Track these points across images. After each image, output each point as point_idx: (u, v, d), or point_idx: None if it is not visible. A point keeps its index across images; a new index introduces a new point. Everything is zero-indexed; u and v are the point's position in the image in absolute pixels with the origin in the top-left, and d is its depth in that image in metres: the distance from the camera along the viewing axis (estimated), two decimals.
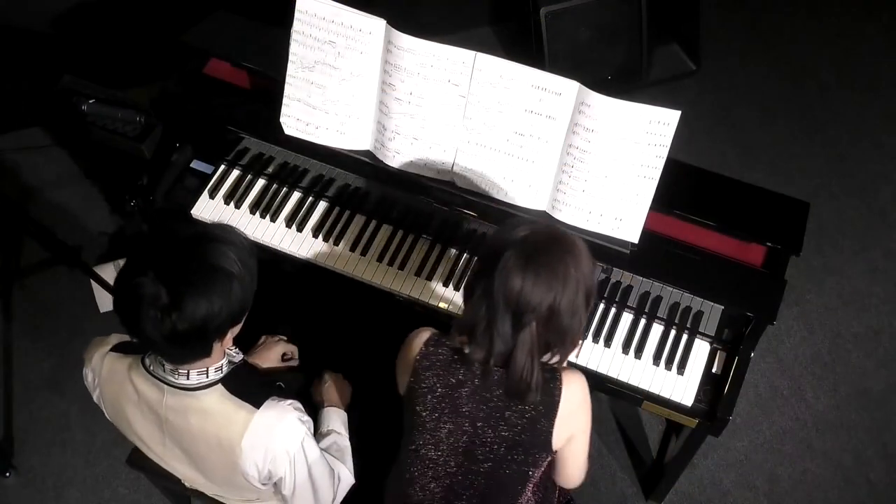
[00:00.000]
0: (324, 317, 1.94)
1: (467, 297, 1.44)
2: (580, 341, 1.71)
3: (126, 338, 1.57)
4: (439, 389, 1.48)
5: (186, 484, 1.78)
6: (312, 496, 1.57)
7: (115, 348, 1.55)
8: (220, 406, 1.46)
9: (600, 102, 1.67)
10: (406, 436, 1.57)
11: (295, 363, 1.98)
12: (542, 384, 1.43)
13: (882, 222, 2.98)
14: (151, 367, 1.47)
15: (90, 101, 2.29)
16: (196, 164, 2.15)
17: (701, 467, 2.46)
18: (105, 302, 2.71)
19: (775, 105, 3.30)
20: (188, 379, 1.44)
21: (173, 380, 1.45)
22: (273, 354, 1.95)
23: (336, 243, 2.04)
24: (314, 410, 1.80)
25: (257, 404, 1.47)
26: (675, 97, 3.20)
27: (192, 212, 2.09)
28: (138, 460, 1.92)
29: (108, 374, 1.53)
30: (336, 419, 1.80)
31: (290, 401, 1.53)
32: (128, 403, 1.52)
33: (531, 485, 1.57)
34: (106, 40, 3.11)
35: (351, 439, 1.80)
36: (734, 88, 3.33)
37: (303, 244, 2.04)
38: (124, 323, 1.37)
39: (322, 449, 1.62)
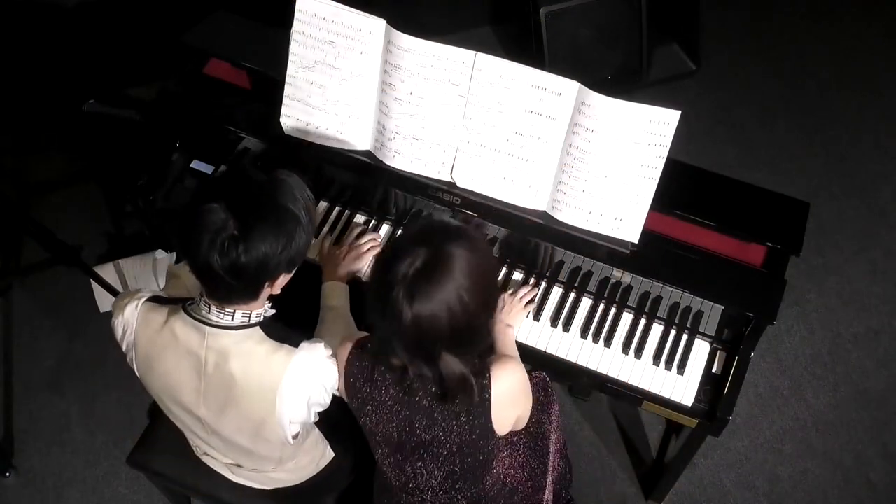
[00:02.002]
0: (309, 310, 1.95)
1: (373, 327, 1.40)
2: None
3: (161, 294, 1.60)
4: (370, 398, 1.48)
5: (199, 451, 1.80)
6: None
7: (153, 299, 1.56)
8: (259, 347, 1.49)
9: (600, 102, 1.67)
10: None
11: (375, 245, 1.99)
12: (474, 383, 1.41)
13: (882, 222, 2.98)
14: (192, 311, 1.49)
15: (90, 101, 2.29)
16: (196, 164, 2.15)
17: (701, 467, 2.46)
18: (105, 302, 2.71)
19: (775, 105, 3.30)
20: (232, 319, 1.47)
21: (217, 319, 1.47)
22: (350, 251, 1.95)
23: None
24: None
25: (294, 345, 1.51)
26: (675, 97, 3.20)
27: None
28: (138, 460, 1.93)
29: (143, 321, 1.54)
30: (331, 293, 1.85)
31: (319, 340, 1.56)
32: (163, 350, 1.53)
33: (494, 467, 1.59)
34: (106, 40, 3.11)
35: (344, 437, 1.83)
36: (734, 88, 3.33)
37: None
38: (184, 248, 1.39)
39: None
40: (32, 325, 2.73)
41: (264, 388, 1.51)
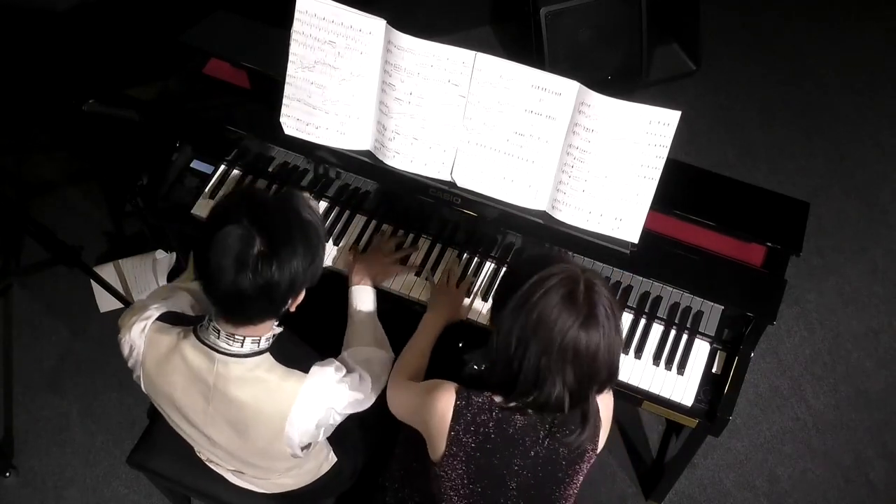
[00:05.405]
0: (322, 316, 1.94)
1: (510, 356, 1.35)
2: None
3: (166, 308, 1.57)
4: (478, 453, 1.45)
5: (202, 456, 1.80)
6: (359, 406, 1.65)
7: (162, 318, 1.54)
8: (269, 374, 1.49)
9: (600, 102, 1.67)
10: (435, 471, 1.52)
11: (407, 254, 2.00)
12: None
13: (882, 222, 2.98)
14: (203, 336, 1.48)
15: (90, 101, 2.29)
16: (196, 164, 2.15)
17: (701, 467, 2.46)
18: (105, 302, 2.71)
19: (775, 105, 3.30)
20: (242, 346, 1.46)
21: (227, 347, 1.46)
22: (383, 258, 1.96)
23: (336, 243, 2.04)
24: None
25: (304, 370, 1.51)
26: (675, 97, 3.21)
27: (192, 212, 2.09)
28: (138, 460, 1.93)
29: (151, 343, 1.53)
30: (359, 297, 1.86)
31: (330, 362, 1.57)
32: (172, 373, 1.52)
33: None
34: (106, 40, 3.11)
35: (352, 431, 1.83)
36: (734, 88, 3.33)
37: None
38: (206, 276, 1.36)
39: (353, 360, 1.67)
40: (32, 325, 2.73)
41: (274, 416, 1.51)
